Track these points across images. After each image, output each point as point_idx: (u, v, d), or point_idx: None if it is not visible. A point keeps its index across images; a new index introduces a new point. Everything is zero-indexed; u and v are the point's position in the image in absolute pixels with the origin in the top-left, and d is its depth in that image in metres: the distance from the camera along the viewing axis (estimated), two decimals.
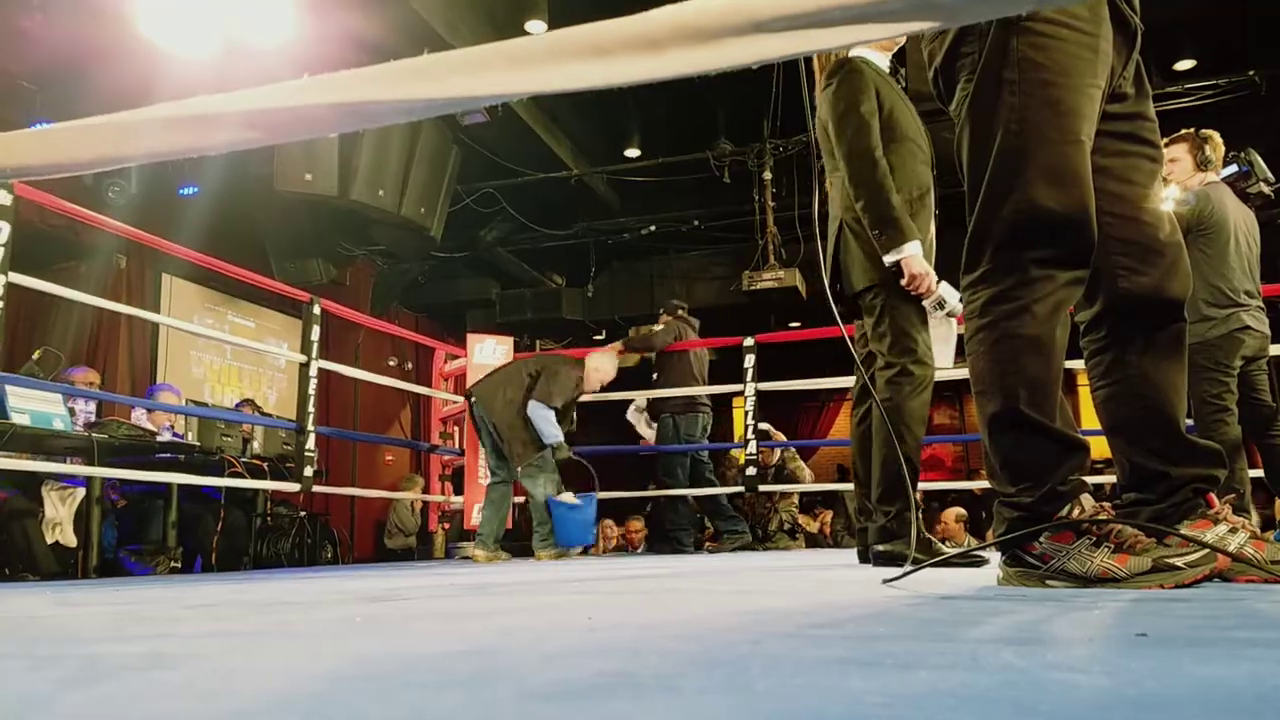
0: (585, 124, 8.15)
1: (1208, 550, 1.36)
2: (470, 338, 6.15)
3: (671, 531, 5.98)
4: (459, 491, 6.33)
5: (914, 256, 2.51)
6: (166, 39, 4.62)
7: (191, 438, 5.14)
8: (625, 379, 5.68)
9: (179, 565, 4.53)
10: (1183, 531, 1.45)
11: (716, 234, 9.25)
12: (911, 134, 2.71)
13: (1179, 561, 1.35)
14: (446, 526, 6.68)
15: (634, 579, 2.16)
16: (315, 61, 4.98)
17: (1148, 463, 1.57)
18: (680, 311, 6.32)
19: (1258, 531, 1.53)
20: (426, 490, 7.22)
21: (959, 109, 1.56)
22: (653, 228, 9.21)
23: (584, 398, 5.18)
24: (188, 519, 4.70)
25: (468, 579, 2.48)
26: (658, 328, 6.20)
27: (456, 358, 6.57)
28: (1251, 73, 7.24)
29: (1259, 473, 3.89)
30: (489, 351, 5.88)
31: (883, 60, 2.75)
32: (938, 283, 2.56)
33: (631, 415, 6.45)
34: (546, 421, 4.75)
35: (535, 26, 6.83)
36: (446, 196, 7.20)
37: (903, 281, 2.55)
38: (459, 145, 7.24)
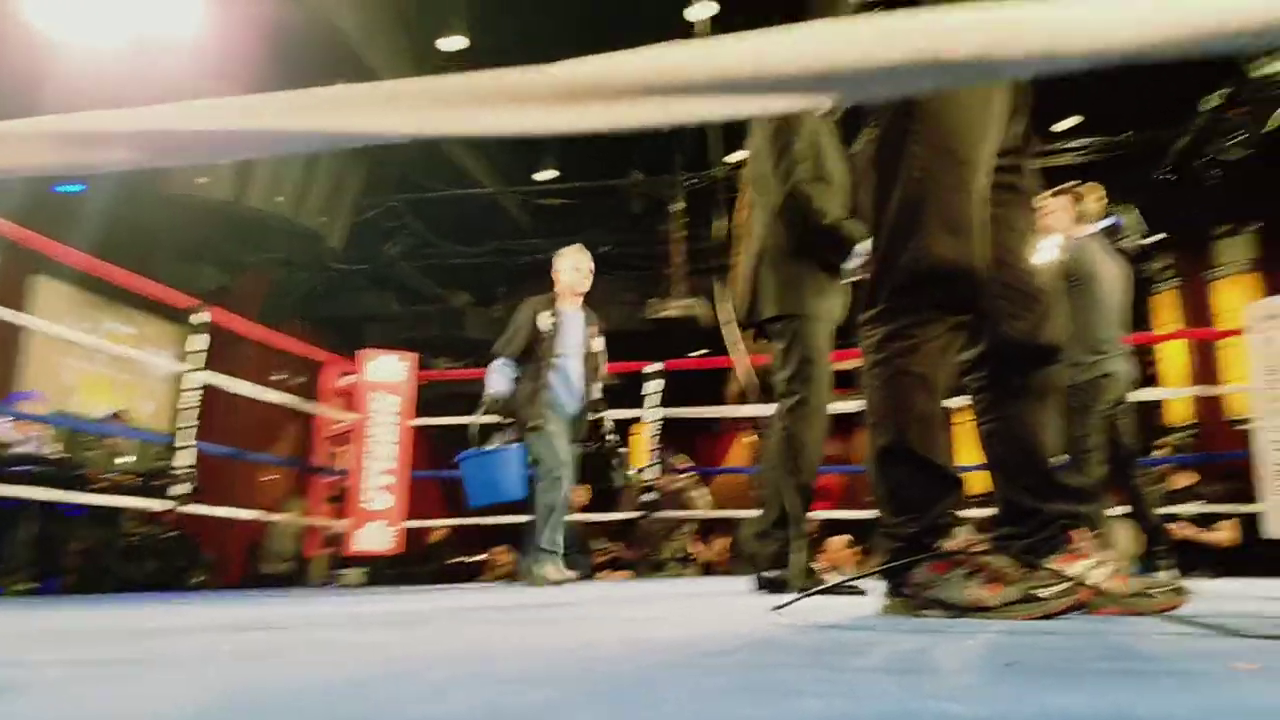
0: (501, 143, 8.13)
1: (1072, 583, 1.44)
2: (364, 353, 5.95)
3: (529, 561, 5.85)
4: (342, 515, 6.10)
5: (863, 255, 2.59)
6: (62, 29, 4.39)
7: (55, 450, 4.84)
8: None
9: (36, 586, 4.24)
10: (1050, 565, 1.52)
11: (626, 261, 9.31)
12: (837, 179, 2.78)
13: (1045, 593, 1.41)
14: (327, 552, 6.44)
15: (517, 608, 2.13)
16: (224, 57, 4.81)
17: (1021, 498, 1.65)
18: None
19: (1119, 566, 1.63)
20: (307, 513, 6.96)
21: (865, 152, 1.63)
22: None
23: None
24: (44, 537, 4.40)
25: (349, 608, 2.40)
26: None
27: (349, 374, 6.36)
28: (1128, 134, 7.77)
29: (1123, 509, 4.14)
30: (385, 368, 5.72)
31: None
32: None
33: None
34: (489, 372, 4.24)
35: (453, 43, 6.78)
36: (349, 207, 7.03)
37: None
38: (365, 155, 7.10)
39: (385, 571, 5.28)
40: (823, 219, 2.60)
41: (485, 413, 4.15)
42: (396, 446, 5.49)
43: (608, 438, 4.47)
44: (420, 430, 5.72)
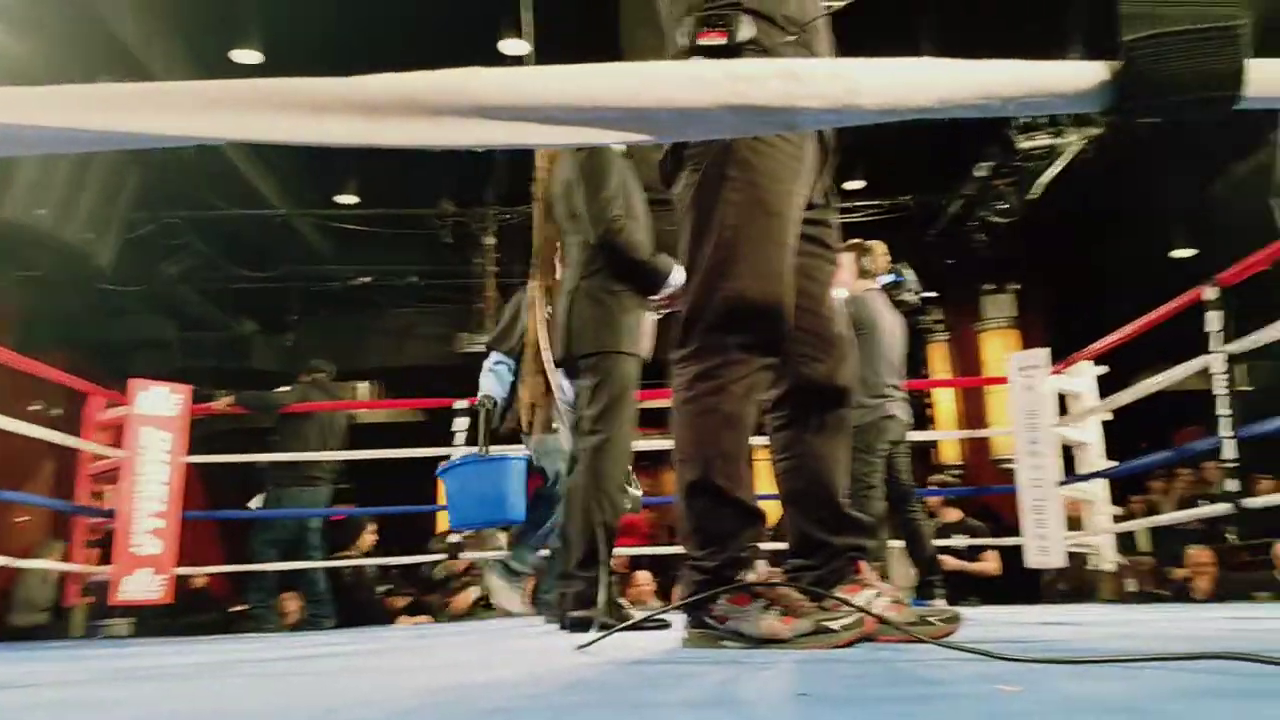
0: (296, 162, 7.72)
1: (859, 614, 1.51)
2: (134, 383, 5.37)
3: (313, 614, 5.57)
4: (107, 560, 5.49)
5: (677, 283, 2.62)
6: None
7: None
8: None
9: None
10: (838, 595, 1.60)
11: (435, 292, 9.09)
12: (641, 216, 2.83)
13: (835, 625, 1.48)
14: (88, 601, 5.77)
15: (310, 659, 1.99)
16: None
17: (814, 532, 1.73)
18: (319, 376, 5.95)
19: (898, 595, 1.73)
20: (66, 558, 6.21)
21: (683, 195, 1.68)
22: (366, 279, 8.85)
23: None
24: None
25: (111, 662, 2.15)
26: (284, 389, 5.83)
27: (117, 405, 5.75)
28: (907, 197, 8.51)
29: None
30: (158, 401, 5.20)
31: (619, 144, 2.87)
32: None
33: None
34: (482, 371, 3.85)
35: (245, 56, 6.42)
36: (121, 223, 6.42)
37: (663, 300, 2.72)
38: (141, 167, 6.53)
39: (155, 621, 4.78)
40: (637, 255, 2.65)
41: (482, 419, 3.61)
42: (168, 486, 5.00)
43: None
44: (195, 469, 5.26)
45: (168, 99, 0.87)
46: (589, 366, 2.68)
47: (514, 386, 3.61)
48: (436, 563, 5.88)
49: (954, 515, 6.24)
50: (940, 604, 3.84)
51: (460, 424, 5.34)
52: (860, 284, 4.28)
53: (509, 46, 6.44)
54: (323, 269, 8.80)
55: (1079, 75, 0.89)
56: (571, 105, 0.93)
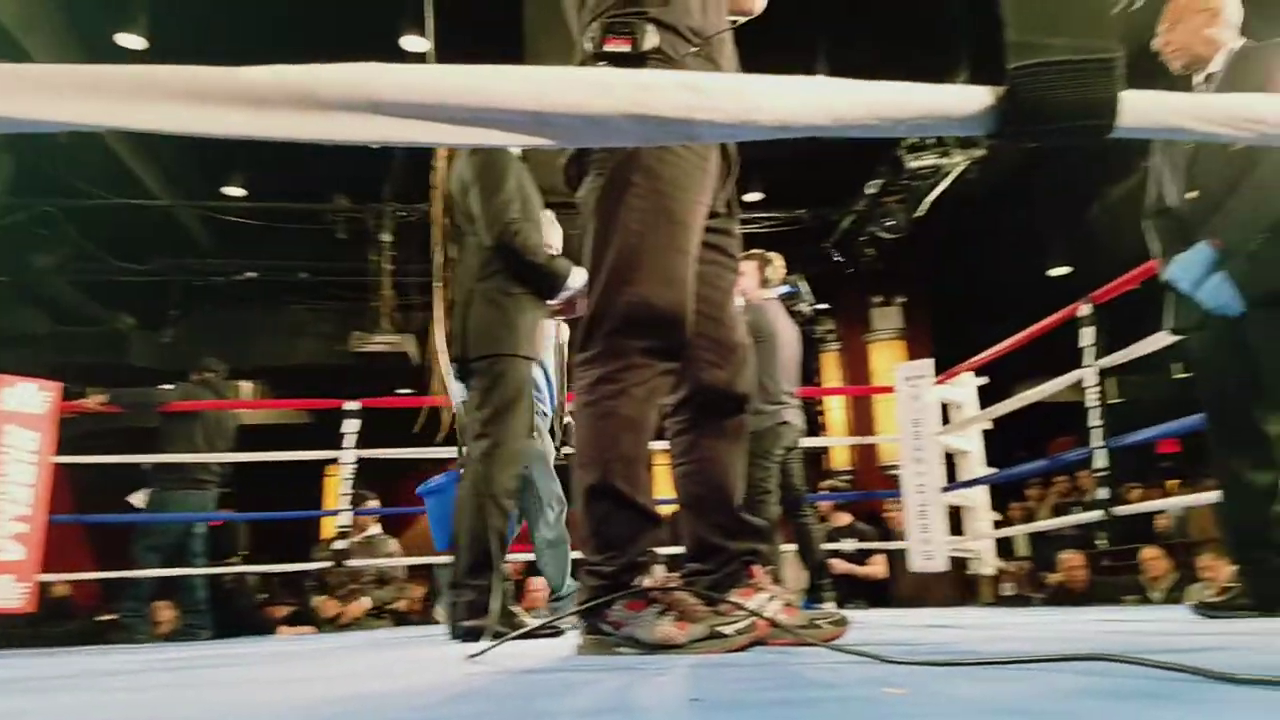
0: (180, 151, 7.37)
1: (752, 618, 1.54)
2: None
3: (189, 624, 5.31)
4: None
5: (578, 286, 2.63)
6: None
7: None
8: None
9: None
10: (731, 599, 1.63)
11: (327, 290, 8.81)
12: (537, 219, 2.81)
13: (729, 629, 1.50)
14: None
15: (194, 669, 1.89)
16: None
17: (710, 536, 1.75)
18: (210, 375, 5.71)
19: (790, 599, 1.77)
20: None
21: (587, 200, 1.68)
22: (253, 274, 8.51)
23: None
24: None
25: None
26: (167, 386, 5.57)
27: None
28: (803, 211, 8.74)
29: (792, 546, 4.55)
30: (25, 398, 4.87)
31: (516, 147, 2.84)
32: None
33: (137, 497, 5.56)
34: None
35: (130, 41, 6.11)
36: None
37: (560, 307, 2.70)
38: (10, 153, 6.13)
39: (15, 633, 4.45)
40: (535, 257, 2.63)
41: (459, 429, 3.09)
42: (33, 488, 4.69)
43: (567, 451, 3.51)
44: (64, 470, 4.95)
45: (44, 82, 0.81)
46: (482, 369, 2.64)
47: None
48: (321, 570, 5.68)
49: (844, 519, 6.43)
50: (829, 607, 3.94)
51: (350, 426, 5.17)
52: (759, 293, 4.36)
53: (410, 43, 6.32)
54: (207, 263, 8.41)
55: (966, 100, 0.93)
56: (472, 106, 0.91)
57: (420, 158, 2.74)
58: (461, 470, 2.97)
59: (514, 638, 1.94)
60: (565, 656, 1.57)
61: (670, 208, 1.62)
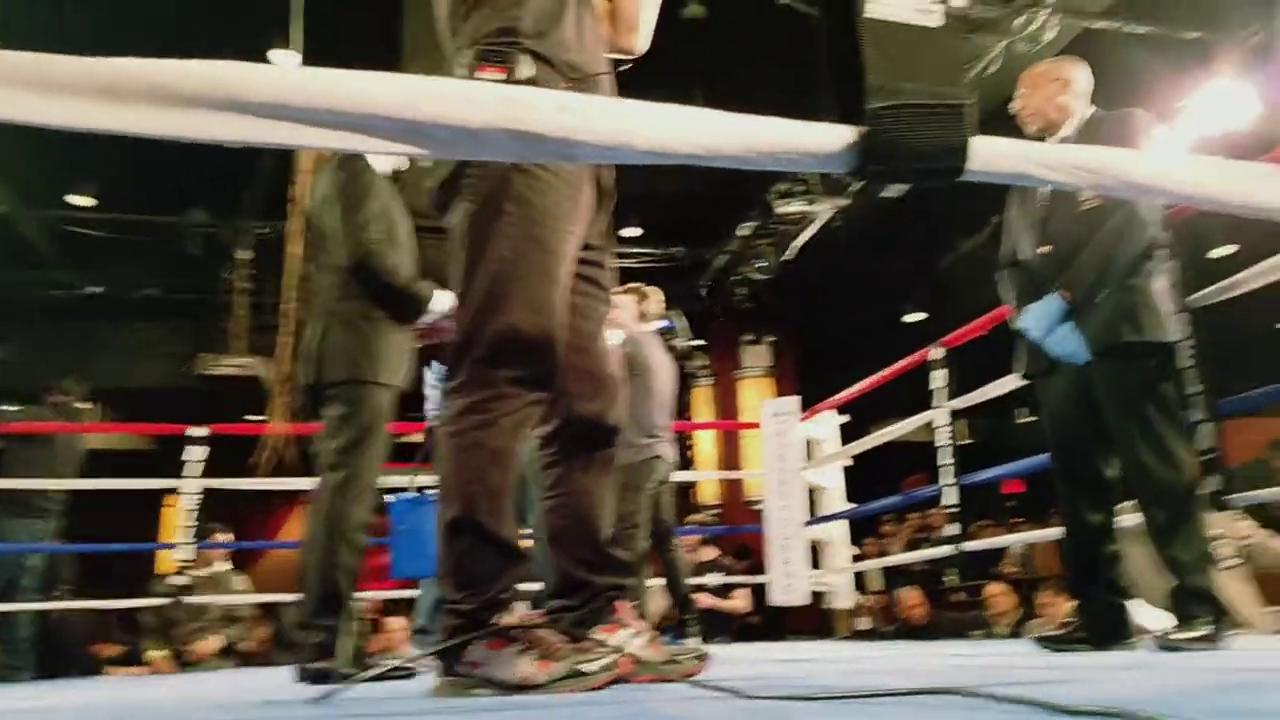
0: (23, 157, 6.82)
1: (614, 655, 1.51)
2: None
3: (8, 664, 4.86)
4: None
5: (440, 311, 2.52)
6: None
7: None
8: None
9: None
10: (595, 635, 1.59)
11: (176, 308, 8.31)
12: (403, 241, 2.72)
13: (591, 667, 1.46)
14: None
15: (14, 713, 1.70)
16: None
17: (576, 571, 1.71)
18: (63, 398, 5.37)
19: (654, 634, 1.75)
20: None
21: (457, 226, 1.63)
22: (98, 289, 7.94)
23: None
24: None
25: None
26: (6, 408, 5.18)
27: None
28: (679, 249, 8.90)
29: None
30: None
31: (386, 167, 2.74)
32: None
33: None
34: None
35: None
36: None
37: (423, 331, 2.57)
38: None
39: None
40: (394, 279, 2.54)
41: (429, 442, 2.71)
42: None
43: None
44: None
45: None
46: (338, 395, 2.50)
47: None
48: (158, 608, 5.28)
49: (710, 554, 6.49)
50: (694, 642, 3.95)
51: (196, 453, 4.85)
52: (637, 327, 4.38)
53: (277, 57, 6.09)
54: (46, 275, 7.79)
55: (827, 138, 0.95)
56: (341, 110, 0.87)
57: (283, 172, 2.62)
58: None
59: (363, 680, 1.84)
60: (418, 700, 1.49)
61: (541, 236, 1.59)
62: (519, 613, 1.54)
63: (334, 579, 2.36)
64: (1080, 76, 2.64)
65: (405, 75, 0.91)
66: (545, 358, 1.59)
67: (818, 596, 5.52)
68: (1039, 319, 2.48)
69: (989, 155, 0.94)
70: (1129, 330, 2.39)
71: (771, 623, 6.64)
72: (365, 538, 2.45)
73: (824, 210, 7.52)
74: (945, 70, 0.97)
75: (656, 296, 4.51)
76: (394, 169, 2.77)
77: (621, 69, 1.85)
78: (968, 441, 9.48)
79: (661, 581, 4.58)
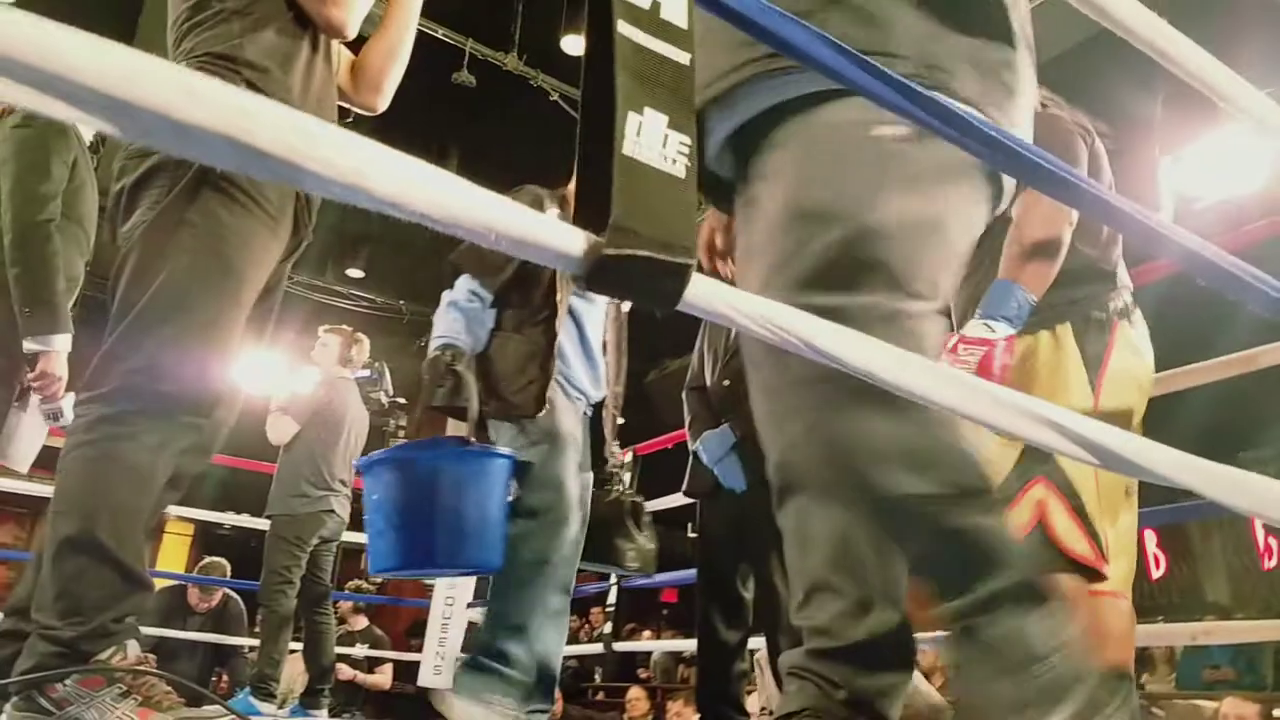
0: None
1: (230, 716, 1.39)
2: None
3: None
4: None
5: (61, 353, 2.22)
6: None
7: None
8: None
9: None
10: (214, 695, 1.46)
11: None
12: (86, 222, 2.43)
13: None
14: None
15: None
16: None
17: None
18: None
19: (286, 700, 1.62)
20: None
21: (132, 231, 1.51)
22: None
23: None
24: None
25: None
26: None
27: None
28: (401, 302, 8.68)
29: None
30: None
31: (88, 132, 2.45)
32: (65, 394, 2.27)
33: None
34: (443, 307, 2.34)
35: None
36: None
37: (30, 376, 2.22)
38: None
39: None
40: (47, 274, 2.24)
41: (433, 378, 2.09)
42: None
43: (614, 470, 2.55)
44: None
45: None
46: None
47: (494, 340, 2.30)
48: None
49: (361, 623, 6.17)
50: (323, 715, 3.69)
51: None
52: (337, 370, 4.19)
53: None
54: None
55: (562, 238, 0.99)
56: (38, 67, 0.78)
57: None
58: (470, 437, 2.07)
59: None
60: None
61: (229, 255, 1.51)
62: (131, 653, 1.38)
63: None
64: None
65: (129, 48, 0.84)
66: (208, 381, 1.50)
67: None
68: (710, 446, 2.70)
69: (702, 295, 1.04)
70: None
71: (420, 702, 6.37)
72: None
73: None
74: (680, 217, 1.06)
75: (365, 344, 4.36)
76: (95, 135, 2.48)
77: (365, 118, 1.83)
78: None
79: (301, 646, 4.21)
